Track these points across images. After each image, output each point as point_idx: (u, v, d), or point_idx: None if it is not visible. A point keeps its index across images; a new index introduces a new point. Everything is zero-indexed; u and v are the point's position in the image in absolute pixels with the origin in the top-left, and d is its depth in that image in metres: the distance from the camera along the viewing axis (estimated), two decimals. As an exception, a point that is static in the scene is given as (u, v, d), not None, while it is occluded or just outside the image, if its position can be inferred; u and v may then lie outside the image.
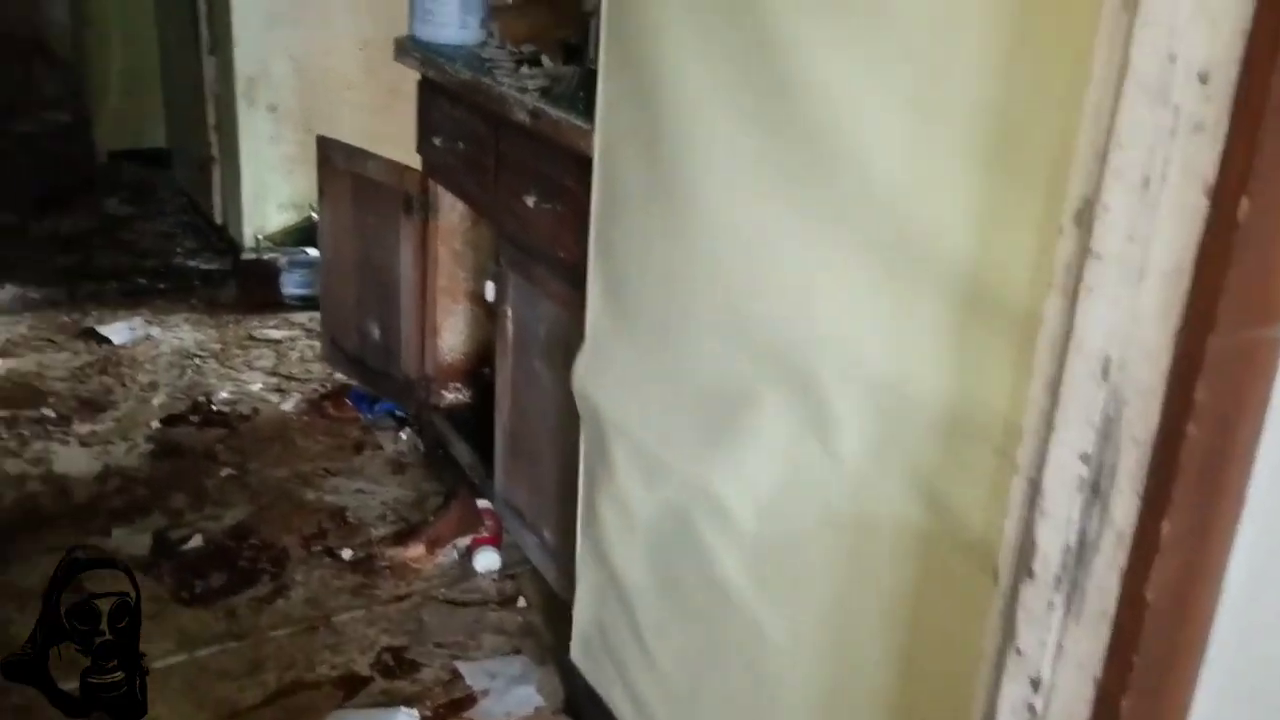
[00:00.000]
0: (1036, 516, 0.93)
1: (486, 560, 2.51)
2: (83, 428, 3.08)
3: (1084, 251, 0.86)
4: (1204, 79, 0.77)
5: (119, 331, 3.67)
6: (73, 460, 2.92)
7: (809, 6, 1.27)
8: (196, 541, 2.58)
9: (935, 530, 1.22)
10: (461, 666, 2.22)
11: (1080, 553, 0.91)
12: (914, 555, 1.26)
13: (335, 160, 3.03)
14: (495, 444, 2.49)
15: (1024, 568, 0.96)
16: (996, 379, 1.11)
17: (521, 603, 2.43)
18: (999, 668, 1.01)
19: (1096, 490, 0.89)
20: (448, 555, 2.56)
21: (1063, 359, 0.89)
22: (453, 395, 2.92)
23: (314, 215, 3.65)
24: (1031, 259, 1.04)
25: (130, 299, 3.99)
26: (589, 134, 1.81)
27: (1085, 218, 0.87)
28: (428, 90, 2.66)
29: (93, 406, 3.20)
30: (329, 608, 2.39)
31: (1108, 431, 0.87)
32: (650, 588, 1.76)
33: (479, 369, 2.89)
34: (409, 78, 2.73)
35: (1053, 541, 0.92)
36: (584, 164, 1.84)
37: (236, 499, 2.77)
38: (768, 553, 1.48)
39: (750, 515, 1.49)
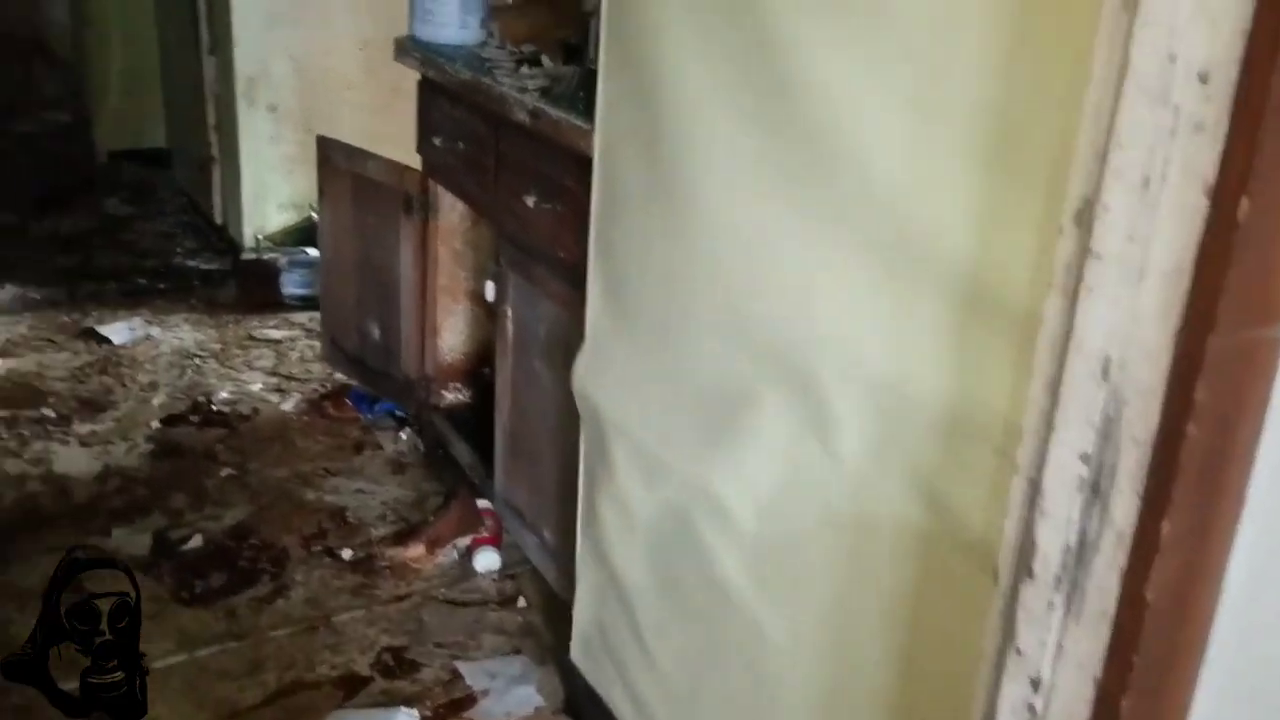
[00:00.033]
0: (1036, 516, 0.93)
1: (486, 560, 2.51)
2: (83, 428, 3.08)
3: (1084, 251, 0.86)
4: (1204, 79, 0.77)
5: (119, 331, 3.68)
6: (73, 460, 2.92)
7: (809, 6, 1.27)
8: (196, 541, 2.58)
9: (935, 530, 1.22)
10: (461, 666, 2.22)
11: (1080, 553, 0.91)
12: (914, 555, 1.26)
13: (335, 160, 3.03)
14: (495, 444, 2.49)
15: (1024, 568, 0.96)
16: (996, 379, 1.11)
17: (521, 603, 2.43)
18: (999, 668, 1.01)
19: (1096, 490, 0.89)
20: (448, 555, 2.56)
21: (1063, 359, 0.89)
22: (453, 395, 2.92)
23: (314, 215, 3.65)
24: (1031, 259, 1.04)
25: (130, 299, 3.99)
26: (589, 134, 1.81)
27: (1085, 218, 0.87)
28: (428, 90, 2.66)
29: (93, 406, 3.20)
30: (329, 608, 2.39)
31: (1108, 431, 0.87)
32: (650, 588, 1.76)
33: (479, 369, 2.89)
34: (409, 77, 2.73)
35: (1053, 541, 0.92)
36: (584, 164, 1.84)
37: (236, 499, 2.77)
38: (768, 553, 1.48)
39: (750, 515, 1.49)
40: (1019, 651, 0.97)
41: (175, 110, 5.00)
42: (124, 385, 3.35)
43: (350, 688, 2.16)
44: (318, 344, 3.50)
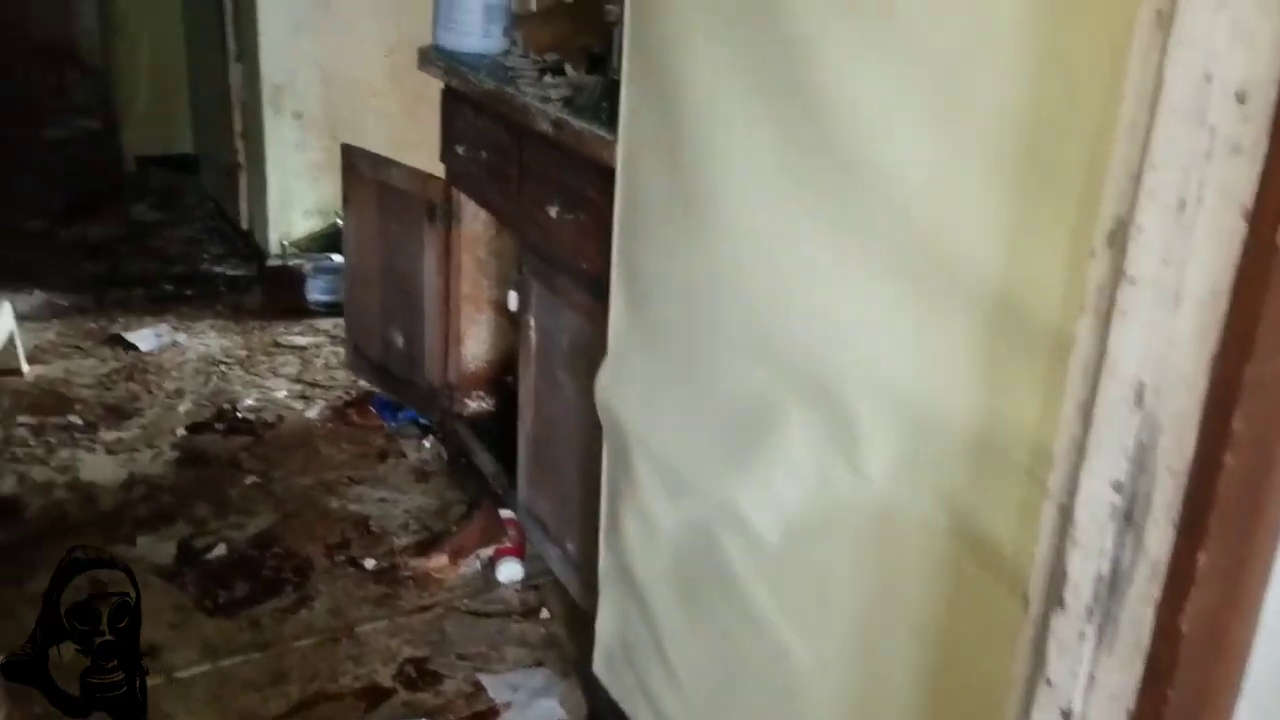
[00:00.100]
0: (1068, 545, 0.91)
1: (509, 571, 2.50)
2: (109, 435, 3.10)
3: (1117, 274, 0.84)
4: (1241, 99, 0.75)
5: (145, 338, 3.70)
6: (99, 468, 2.93)
7: (832, 16, 1.25)
8: (220, 550, 2.58)
9: (963, 551, 1.20)
10: (484, 679, 2.21)
11: (1113, 583, 0.88)
12: (942, 576, 1.24)
13: (360, 168, 3.03)
14: (518, 454, 2.48)
15: (1055, 596, 0.93)
16: (1025, 399, 1.09)
17: (544, 614, 2.42)
18: (1028, 697, 0.99)
19: (1130, 519, 0.86)
20: (471, 565, 2.55)
21: (1095, 384, 0.87)
22: (476, 404, 2.92)
23: (339, 222, 3.65)
24: (1062, 277, 1.02)
25: (157, 305, 4.02)
26: (611, 145, 1.80)
27: (1118, 239, 0.84)
28: (451, 99, 2.65)
29: (119, 414, 3.22)
30: (352, 618, 2.38)
31: (1142, 460, 0.84)
32: (673, 602, 1.74)
33: (502, 377, 2.89)
34: (434, 84, 2.73)
35: (1084, 571, 0.90)
36: (607, 175, 1.83)
37: (260, 507, 2.78)
38: (793, 571, 1.46)
39: (775, 532, 1.47)
40: (1049, 682, 0.95)
41: (202, 117, 5.03)
42: (150, 392, 3.36)
43: (373, 699, 2.15)
44: (342, 351, 3.51)
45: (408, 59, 2.85)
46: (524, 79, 2.31)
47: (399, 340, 3.06)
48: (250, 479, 2.90)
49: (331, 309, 3.83)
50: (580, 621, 2.20)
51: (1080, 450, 0.89)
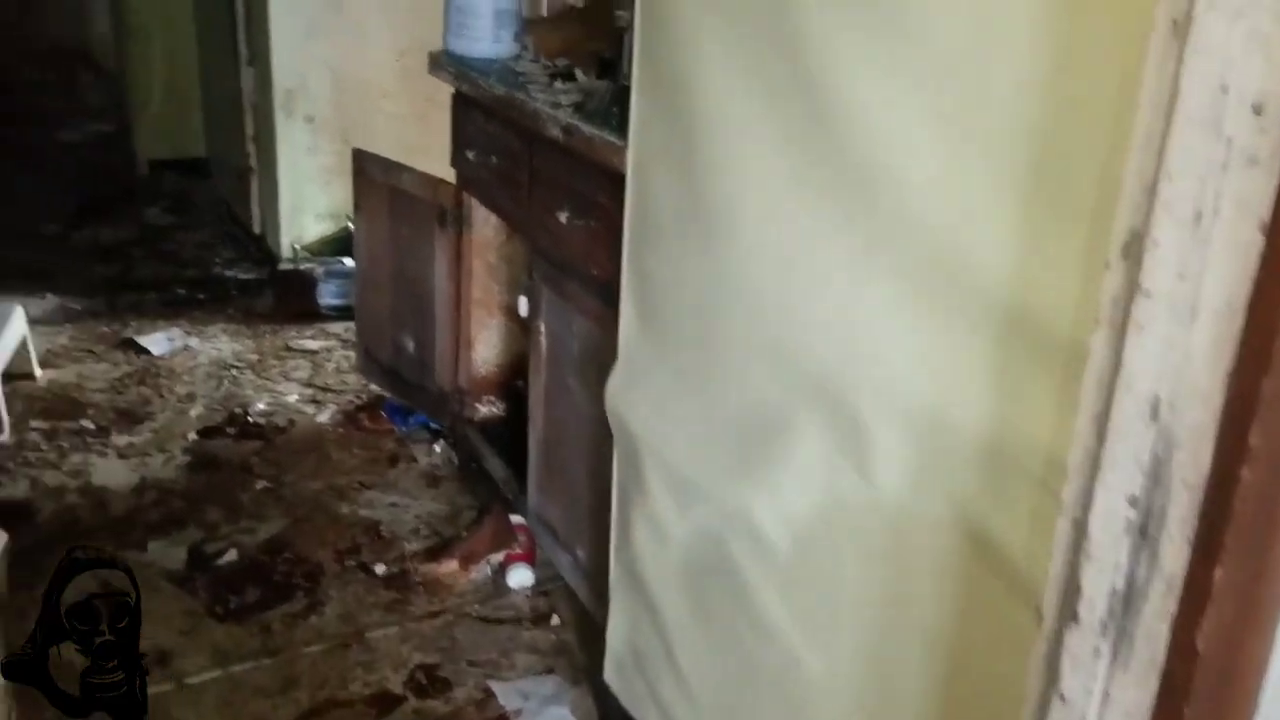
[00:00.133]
0: (1082, 559, 0.90)
1: (520, 577, 2.50)
2: (121, 439, 3.10)
3: (1132, 287, 0.83)
4: (1258, 110, 0.74)
5: (158, 342, 3.70)
6: (111, 472, 2.93)
7: (845, 25, 1.24)
8: (231, 555, 2.58)
9: (976, 563, 1.19)
10: (495, 686, 2.20)
11: (1128, 599, 0.87)
12: (955, 588, 1.23)
13: (371, 173, 3.03)
14: (529, 459, 2.48)
15: (1069, 611, 0.92)
16: (1039, 410, 1.08)
17: (555, 620, 2.41)
18: (1042, 712, 0.97)
19: (1145, 534, 0.85)
20: (481, 571, 2.54)
21: (1110, 397, 0.86)
22: (486, 408, 2.91)
23: (351, 225, 3.66)
24: (1075, 288, 1.01)
25: (169, 309, 4.02)
26: (622, 151, 1.79)
27: (1133, 251, 0.83)
28: (462, 104, 2.65)
29: (131, 418, 3.23)
30: (362, 624, 2.38)
31: (1157, 474, 0.83)
32: (684, 611, 1.73)
33: (513, 382, 2.88)
34: (445, 87, 2.73)
35: (1099, 586, 0.89)
36: (617, 181, 1.82)
37: (271, 512, 2.78)
38: (804, 581, 1.45)
39: (786, 542, 1.46)
40: (1063, 698, 0.94)
41: (214, 120, 5.04)
42: (162, 396, 3.37)
43: (383, 706, 2.15)
44: (353, 355, 3.51)
45: (418, 62, 2.84)
46: (534, 84, 2.30)
47: (410, 345, 3.06)
48: (261, 484, 2.90)
49: (343, 313, 3.83)
50: (591, 628, 2.19)
51: (1094, 464, 0.88)
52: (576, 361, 2.22)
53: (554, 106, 2.15)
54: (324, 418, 3.28)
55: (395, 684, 2.21)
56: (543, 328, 2.34)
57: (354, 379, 3.47)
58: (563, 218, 2.13)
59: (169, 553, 2.59)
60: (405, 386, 3.14)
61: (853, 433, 1.31)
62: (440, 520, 2.78)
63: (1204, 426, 0.81)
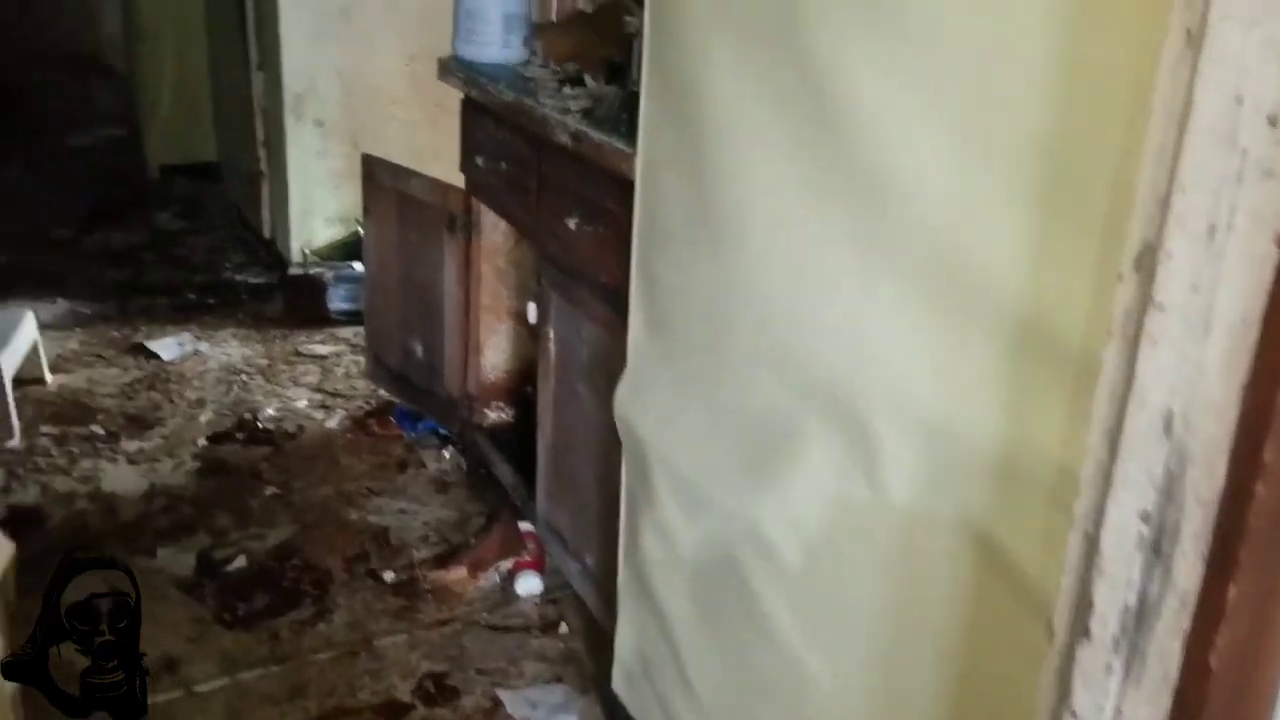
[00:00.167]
0: (1094, 575, 0.89)
1: (528, 584, 2.49)
2: (131, 445, 3.10)
3: (1145, 299, 0.82)
4: (1273, 122, 0.73)
5: (168, 347, 3.71)
6: (120, 478, 2.93)
7: (853, 32, 1.23)
8: (240, 562, 2.58)
9: (988, 575, 1.18)
10: (503, 694, 2.19)
11: (1140, 615, 0.86)
12: (966, 600, 1.21)
13: (380, 178, 3.03)
14: (538, 466, 2.47)
15: (1081, 627, 0.91)
16: (1050, 422, 1.06)
17: (563, 628, 2.40)
18: (1053, 728, 0.96)
19: (1158, 550, 0.84)
20: (489, 578, 2.54)
21: (1122, 411, 0.85)
22: (495, 414, 2.91)
23: (360, 229, 3.66)
24: (1087, 299, 1.00)
25: (179, 314, 4.03)
26: (631, 158, 1.79)
27: (1146, 263, 0.82)
28: (471, 110, 2.64)
29: (141, 423, 3.23)
30: (370, 631, 2.38)
31: (1170, 490, 0.82)
32: (692, 620, 1.72)
33: (522, 387, 2.88)
34: (455, 91, 2.72)
35: (1111, 602, 0.88)
36: (626, 187, 1.82)
37: (280, 519, 2.77)
38: (814, 592, 1.44)
39: (795, 552, 1.45)
40: (1075, 714, 0.92)
41: (225, 125, 5.05)
42: (172, 402, 3.37)
43: (391, 715, 2.14)
44: (363, 360, 3.51)
45: (428, 67, 2.84)
46: (543, 90, 2.30)
47: (419, 350, 3.05)
48: (270, 489, 2.90)
49: (352, 317, 3.83)
50: (599, 636, 2.18)
51: (1107, 479, 0.87)
52: (585, 368, 2.21)
53: (563, 112, 2.14)
54: (333, 423, 3.27)
55: (403, 692, 2.20)
56: (551, 334, 2.33)
57: (363, 384, 3.47)
58: (571, 224, 2.12)
59: (178, 559, 2.59)
60: (414, 392, 3.14)
61: (862, 441, 1.30)
62: (449, 527, 2.77)
63: (1218, 441, 0.79)
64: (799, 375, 1.40)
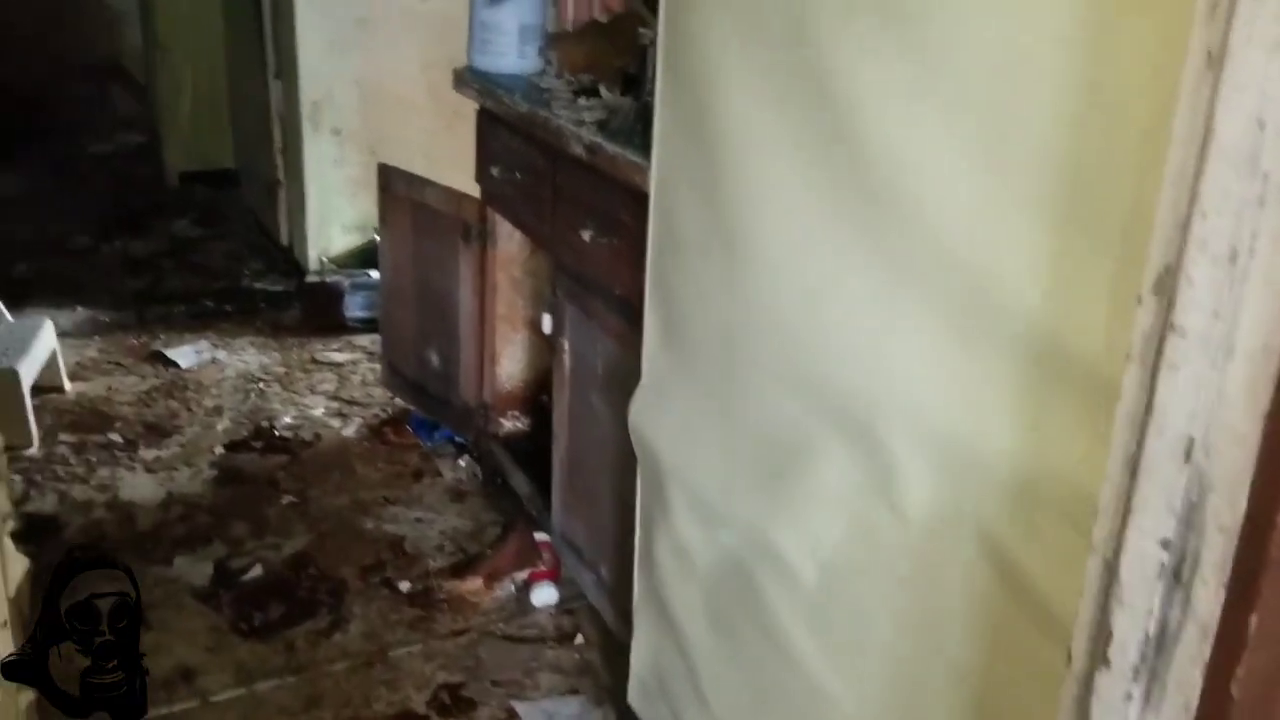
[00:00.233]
0: (1113, 603, 0.88)
1: (544, 595, 2.49)
2: (148, 453, 3.11)
3: (1165, 325, 0.81)
4: (1296, 146, 0.72)
5: (185, 355, 3.72)
6: (138, 486, 2.94)
7: (868, 50, 1.22)
8: (256, 571, 2.58)
9: (1005, 596, 1.16)
10: (518, 706, 2.19)
11: (1160, 643, 0.85)
12: (983, 621, 1.20)
13: (395, 187, 3.03)
14: (553, 477, 2.47)
15: (1099, 655, 0.90)
16: (1069, 443, 1.05)
17: (579, 640, 2.40)
18: (1072, 756, 0.95)
19: (1178, 579, 0.83)
20: (505, 589, 2.53)
21: (1142, 438, 0.83)
22: (511, 423, 2.90)
23: (378, 238, 3.66)
24: (1106, 321, 0.99)
25: (197, 321, 4.04)
26: (645, 170, 1.78)
27: (1166, 288, 0.81)
28: (486, 120, 2.64)
29: (158, 431, 3.24)
30: (386, 642, 2.37)
31: (1190, 518, 0.81)
32: (708, 636, 1.71)
33: (538, 397, 2.87)
34: (470, 100, 2.72)
35: (1130, 630, 0.86)
36: (641, 199, 1.81)
37: (296, 528, 2.78)
38: (830, 610, 1.43)
39: (811, 570, 1.44)
40: (1093, 742, 0.91)
41: (243, 133, 5.07)
42: (189, 410, 3.38)
43: (406, 726, 2.14)
44: (379, 368, 3.51)
45: (444, 74, 2.84)
46: (558, 101, 2.30)
47: (434, 359, 3.05)
48: (287, 498, 2.91)
49: (369, 325, 3.84)
50: (615, 648, 2.18)
51: (1126, 505, 0.86)
52: (600, 380, 2.20)
53: (577, 124, 2.14)
54: (350, 431, 3.28)
55: (419, 703, 2.20)
56: (566, 345, 2.33)
57: (380, 392, 3.48)
58: (586, 235, 2.12)
59: (194, 568, 2.59)
60: (430, 401, 3.14)
61: (879, 462, 1.29)
62: (464, 536, 2.77)
63: (1239, 469, 0.78)
64: (817, 393, 1.39)
